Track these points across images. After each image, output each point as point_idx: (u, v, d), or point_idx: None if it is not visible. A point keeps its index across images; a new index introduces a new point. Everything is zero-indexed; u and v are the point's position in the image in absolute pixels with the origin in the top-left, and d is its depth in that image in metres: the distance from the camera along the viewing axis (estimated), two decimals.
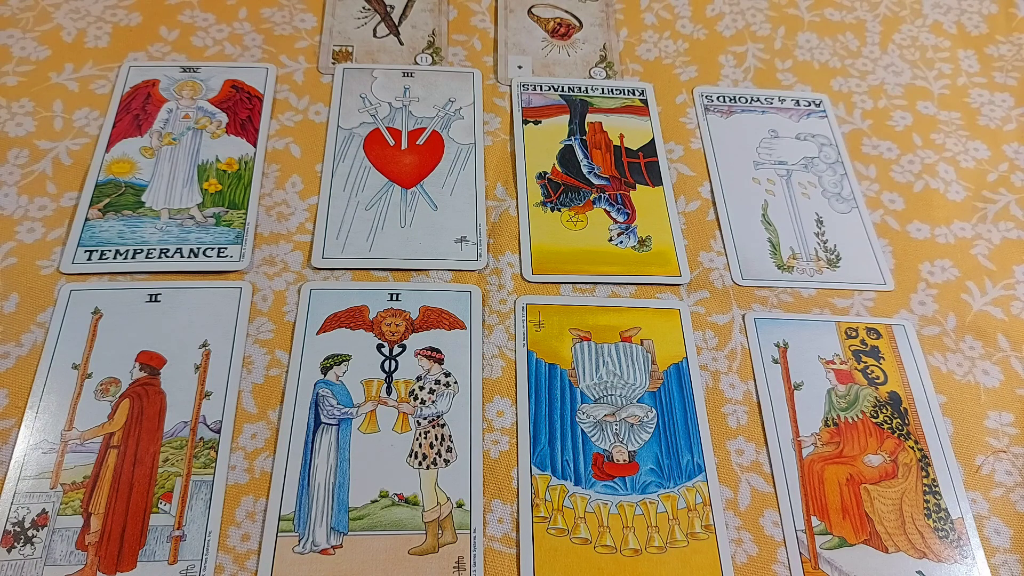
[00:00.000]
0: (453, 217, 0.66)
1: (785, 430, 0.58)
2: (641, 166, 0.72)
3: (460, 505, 0.53)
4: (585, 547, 0.52)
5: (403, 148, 0.70)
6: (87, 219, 0.63)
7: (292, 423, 0.55)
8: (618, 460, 0.55)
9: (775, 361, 0.61)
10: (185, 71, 0.73)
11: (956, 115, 0.78)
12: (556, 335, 0.61)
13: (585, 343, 0.61)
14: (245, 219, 0.64)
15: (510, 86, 0.76)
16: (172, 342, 0.57)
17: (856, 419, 0.59)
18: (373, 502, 0.53)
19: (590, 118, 0.74)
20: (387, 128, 0.72)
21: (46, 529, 0.50)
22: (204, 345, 0.58)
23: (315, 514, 0.52)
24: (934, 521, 0.55)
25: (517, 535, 0.52)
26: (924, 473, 0.56)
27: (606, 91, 0.77)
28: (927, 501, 0.55)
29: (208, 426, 0.54)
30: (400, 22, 0.80)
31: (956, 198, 0.72)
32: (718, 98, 0.77)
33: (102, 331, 0.58)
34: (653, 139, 0.74)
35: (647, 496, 0.54)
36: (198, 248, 0.62)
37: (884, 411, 0.59)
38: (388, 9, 0.81)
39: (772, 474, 0.56)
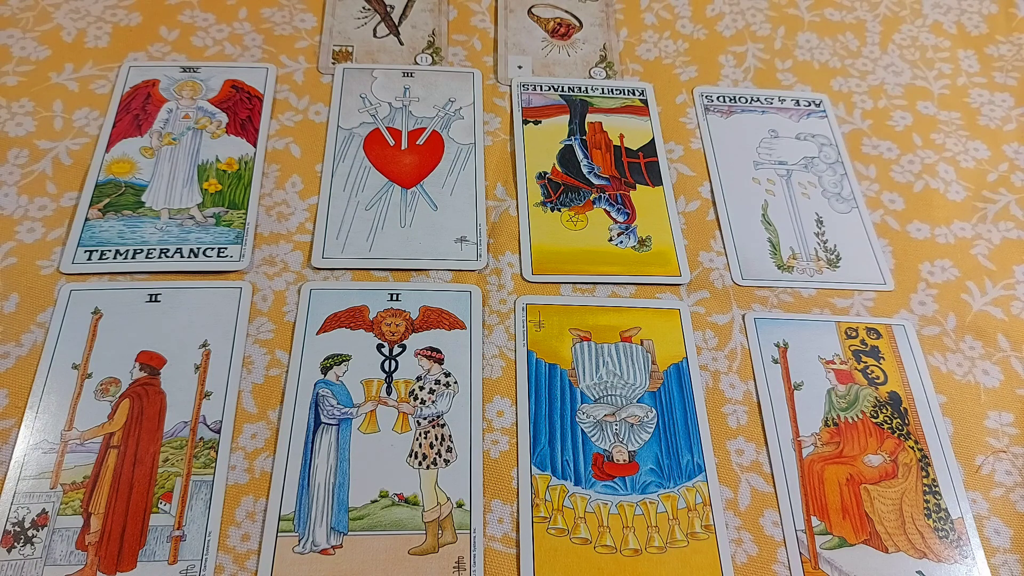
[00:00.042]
0: (453, 217, 0.66)
1: (785, 430, 0.58)
2: (641, 166, 0.72)
3: (460, 505, 0.53)
4: (585, 547, 0.52)
5: (403, 148, 0.70)
6: (87, 219, 0.63)
7: (292, 423, 0.55)
8: (618, 460, 0.55)
9: (775, 361, 0.61)
10: (185, 71, 0.73)
11: (956, 115, 0.78)
12: (556, 335, 0.61)
13: (585, 343, 0.61)
14: (245, 219, 0.64)
15: (510, 86, 0.76)
16: (172, 342, 0.57)
17: (856, 419, 0.59)
18: (373, 502, 0.53)
19: (590, 118, 0.74)
20: (387, 128, 0.72)
21: (46, 529, 0.50)
22: (204, 345, 0.58)
23: (315, 514, 0.52)
24: (934, 521, 0.55)
25: (517, 535, 0.52)
26: (924, 473, 0.56)
27: (606, 91, 0.77)
28: (927, 501, 0.55)
29: (208, 426, 0.54)
30: (400, 22, 0.80)
31: (956, 198, 0.72)
32: (718, 98, 0.77)
33: (102, 331, 0.58)
34: (653, 139, 0.74)
35: (647, 496, 0.54)
36: (198, 248, 0.62)
37: (884, 411, 0.59)
38: (388, 9, 0.81)
39: (772, 474, 0.56)
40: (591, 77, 0.78)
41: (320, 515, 0.52)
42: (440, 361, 0.59)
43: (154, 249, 0.62)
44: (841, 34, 0.84)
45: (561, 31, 0.81)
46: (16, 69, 0.71)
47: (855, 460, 0.57)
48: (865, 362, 0.61)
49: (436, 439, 0.55)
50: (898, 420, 0.59)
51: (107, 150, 0.67)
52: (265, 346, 0.59)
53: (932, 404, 0.60)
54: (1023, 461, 0.58)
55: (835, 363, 0.61)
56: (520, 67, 0.78)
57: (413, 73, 0.76)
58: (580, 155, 0.72)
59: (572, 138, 0.73)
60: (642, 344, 0.61)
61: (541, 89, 0.76)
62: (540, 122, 0.74)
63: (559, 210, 0.68)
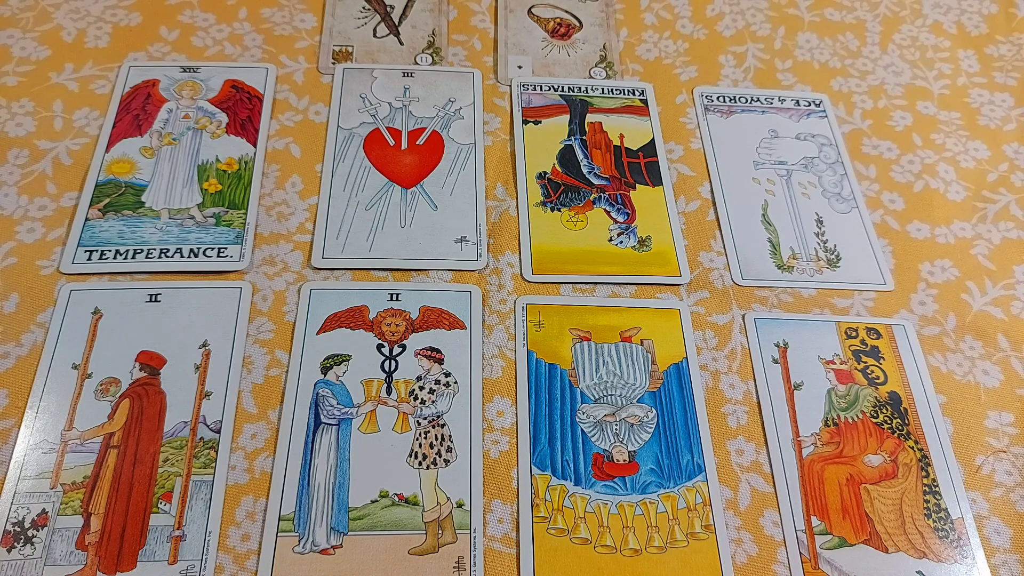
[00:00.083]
0: (453, 217, 0.66)
1: (785, 430, 0.58)
2: (641, 166, 0.72)
3: (460, 505, 0.53)
4: (585, 547, 0.52)
5: (403, 148, 0.70)
6: (87, 219, 0.63)
7: (292, 423, 0.55)
8: (618, 460, 0.55)
9: (775, 361, 0.61)
10: (185, 71, 0.73)
11: (956, 115, 0.78)
12: (556, 335, 0.61)
13: (585, 343, 0.61)
14: (245, 219, 0.64)
15: (510, 86, 0.76)
16: (172, 342, 0.57)
17: (856, 419, 0.59)
18: (373, 502, 0.53)
19: (590, 118, 0.74)
20: (387, 128, 0.72)
21: (46, 529, 0.50)
22: (204, 345, 0.58)
23: (315, 514, 0.52)
24: (934, 521, 0.55)
25: (517, 535, 0.52)
26: (924, 473, 0.56)
27: (606, 91, 0.77)
28: (927, 501, 0.55)
29: (208, 426, 0.54)
30: (400, 22, 0.80)
31: (956, 198, 0.72)
32: (718, 98, 0.77)
33: (102, 331, 0.58)
34: (653, 139, 0.74)
35: (647, 496, 0.54)
36: (198, 248, 0.62)
37: (884, 411, 0.59)
38: (388, 9, 0.81)
39: (772, 474, 0.56)
40: (591, 77, 0.78)
41: (320, 515, 0.52)
42: (440, 361, 0.59)
43: (154, 249, 0.62)
44: (841, 34, 0.84)
45: (561, 31, 0.81)
46: (16, 69, 0.71)
47: (855, 460, 0.57)
48: (865, 362, 0.61)
49: (436, 439, 0.55)
50: (898, 420, 0.59)
51: (107, 150, 0.67)
52: (265, 346, 0.59)
53: (932, 404, 0.60)
54: (1023, 461, 0.58)
55: (835, 363, 0.61)
56: (520, 67, 0.78)
57: (413, 73, 0.76)
58: (580, 155, 0.72)
59: (572, 138, 0.73)
60: (642, 344, 0.61)
61: (541, 89, 0.76)
62: (540, 122, 0.74)
63: (559, 210, 0.68)
